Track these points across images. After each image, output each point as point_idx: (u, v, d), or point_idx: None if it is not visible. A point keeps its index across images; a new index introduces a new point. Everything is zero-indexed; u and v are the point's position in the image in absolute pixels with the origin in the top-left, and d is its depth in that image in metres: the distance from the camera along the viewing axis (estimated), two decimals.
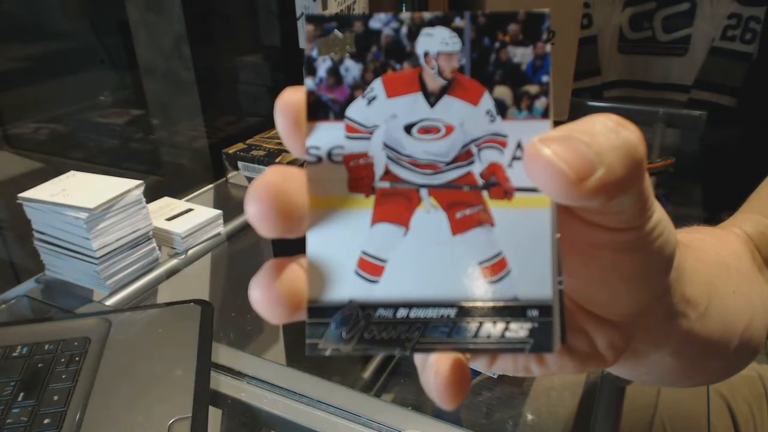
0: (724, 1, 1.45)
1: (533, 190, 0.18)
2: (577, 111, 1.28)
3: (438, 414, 0.52)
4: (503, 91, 0.18)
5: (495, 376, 0.63)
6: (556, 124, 0.18)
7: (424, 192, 0.18)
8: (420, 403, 0.66)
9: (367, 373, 0.73)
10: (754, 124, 1.50)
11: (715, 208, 1.02)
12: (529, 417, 0.62)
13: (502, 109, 0.18)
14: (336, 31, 0.18)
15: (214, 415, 0.52)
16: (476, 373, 0.62)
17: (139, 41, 1.00)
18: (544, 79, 0.18)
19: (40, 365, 0.52)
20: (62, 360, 0.53)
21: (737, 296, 0.31)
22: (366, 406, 0.51)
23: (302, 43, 1.00)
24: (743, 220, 0.39)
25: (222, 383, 0.55)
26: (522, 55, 0.18)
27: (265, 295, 0.18)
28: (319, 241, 0.18)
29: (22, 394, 0.49)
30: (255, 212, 0.17)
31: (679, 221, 0.26)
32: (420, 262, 0.18)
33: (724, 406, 0.63)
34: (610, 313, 0.22)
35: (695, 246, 0.30)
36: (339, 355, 0.18)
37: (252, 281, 0.18)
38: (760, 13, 1.42)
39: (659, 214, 0.20)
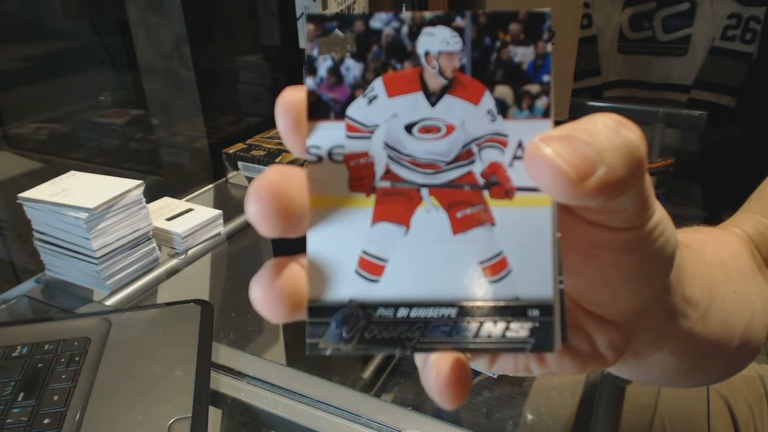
0: (724, 1, 1.45)
1: (534, 189, 0.18)
2: (577, 111, 1.28)
3: (438, 414, 0.52)
4: (504, 91, 0.18)
5: (495, 376, 0.63)
6: (557, 123, 0.18)
7: (424, 191, 0.18)
8: (420, 403, 0.66)
9: (367, 373, 0.73)
10: (754, 124, 1.50)
11: (715, 208, 1.02)
12: (529, 417, 0.62)
13: (503, 108, 0.18)
14: (337, 31, 0.18)
15: (214, 415, 0.52)
16: (476, 373, 0.62)
17: (139, 41, 1.00)
18: (545, 78, 0.18)
19: (40, 365, 0.52)
20: (62, 360, 0.53)
21: (737, 296, 0.31)
22: (366, 406, 0.51)
23: (302, 43, 1.00)
24: (743, 220, 0.39)
25: (222, 383, 0.55)
26: (523, 54, 0.18)
27: (266, 295, 0.18)
28: (319, 241, 0.18)
29: (22, 394, 0.49)
30: (255, 212, 0.17)
31: (679, 221, 0.26)
32: (421, 261, 0.18)
33: (724, 406, 0.63)
34: (611, 313, 0.22)
35: (695, 246, 0.30)
36: (339, 355, 0.18)
37: (252, 280, 0.18)
38: (760, 13, 1.42)
39: (660, 213, 0.20)
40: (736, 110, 1.49)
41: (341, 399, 0.52)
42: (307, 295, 0.18)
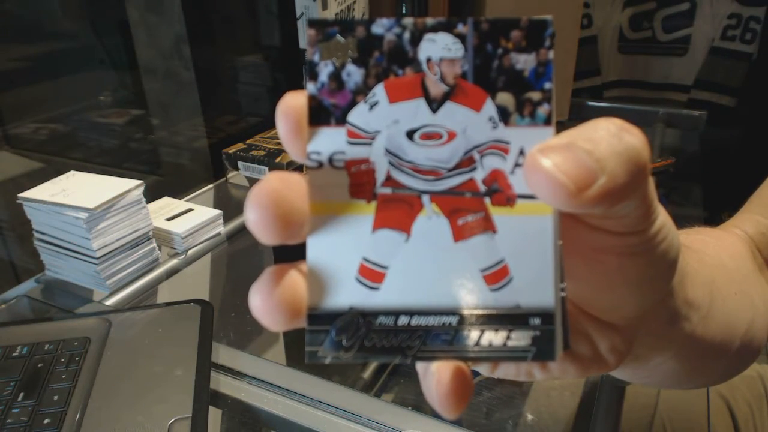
0: (724, 1, 1.45)
1: (535, 197, 0.18)
2: (577, 111, 1.28)
3: (438, 414, 0.52)
4: (506, 98, 0.18)
5: (495, 377, 0.63)
6: (557, 125, 0.18)
7: (425, 198, 0.18)
8: (420, 403, 0.66)
9: (367, 373, 0.73)
10: (753, 124, 1.50)
11: (715, 208, 1.02)
12: (529, 417, 0.62)
13: (504, 115, 0.18)
14: (338, 36, 0.18)
15: (214, 415, 0.52)
16: (476, 373, 0.62)
17: (139, 41, 1.00)
18: (547, 85, 0.18)
19: (40, 365, 0.52)
20: (62, 360, 0.53)
21: (738, 297, 0.31)
22: (366, 406, 0.51)
23: (303, 43, 1.00)
24: (743, 220, 0.39)
25: (222, 383, 0.55)
26: (525, 61, 0.18)
27: (265, 302, 0.18)
28: (319, 248, 0.18)
29: (22, 394, 0.49)
30: (255, 219, 0.17)
31: (679, 221, 0.26)
32: (421, 269, 0.18)
33: (724, 406, 0.63)
34: (614, 317, 0.22)
35: (696, 248, 0.30)
36: (339, 363, 0.18)
37: (252, 288, 0.18)
38: (760, 13, 1.42)
39: (663, 217, 0.20)
40: (736, 110, 1.49)
41: (341, 399, 0.52)
42: (306, 302, 0.18)
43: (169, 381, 0.50)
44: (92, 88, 0.97)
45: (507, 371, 0.23)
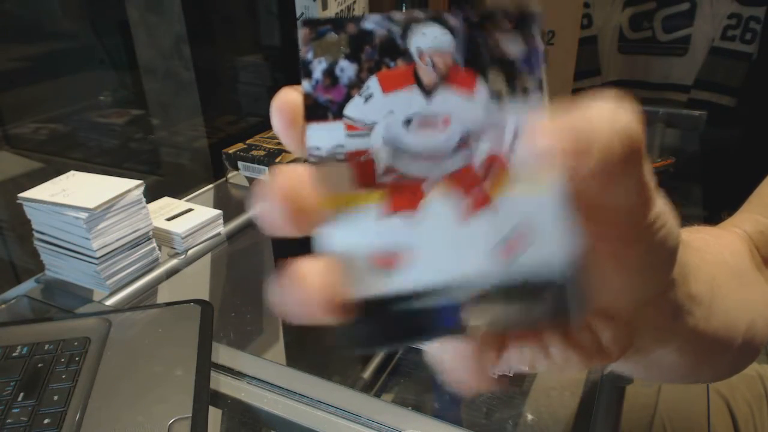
0: (724, 1, 1.45)
1: (534, 173, 0.18)
2: None
3: (438, 414, 0.52)
4: (498, 84, 0.18)
5: (495, 376, 0.63)
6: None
7: (427, 183, 0.19)
8: (420, 403, 0.66)
9: (367, 373, 0.73)
10: (753, 124, 1.50)
11: (715, 208, 1.02)
12: (529, 417, 0.62)
13: (497, 99, 0.19)
14: (330, 34, 0.18)
15: (214, 415, 0.52)
16: None
17: (139, 41, 1.00)
18: (538, 71, 0.18)
19: (40, 365, 0.52)
20: (62, 360, 0.53)
21: (739, 295, 0.31)
22: (366, 406, 0.51)
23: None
24: (743, 219, 0.39)
25: (222, 383, 0.55)
26: (514, 49, 0.18)
27: (293, 297, 0.18)
28: (331, 240, 0.18)
29: (22, 394, 0.49)
30: (267, 213, 0.17)
31: (679, 221, 0.26)
32: (432, 250, 0.19)
33: (724, 406, 0.63)
34: (614, 308, 0.22)
35: (697, 246, 0.30)
36: (365, 353, 0.18)
37: (275, 285, 0.18)
38: (760, 13, 1.42)
39: (661, 206, 0.20)
40: (736, 110, 1.49)
41: (341, 399, 0.52)
42: (326, 295, 0.18)
43: (169, 381, 0.50)
44: (92, 88, 0.97)
45: (509, 359, 0.23)
